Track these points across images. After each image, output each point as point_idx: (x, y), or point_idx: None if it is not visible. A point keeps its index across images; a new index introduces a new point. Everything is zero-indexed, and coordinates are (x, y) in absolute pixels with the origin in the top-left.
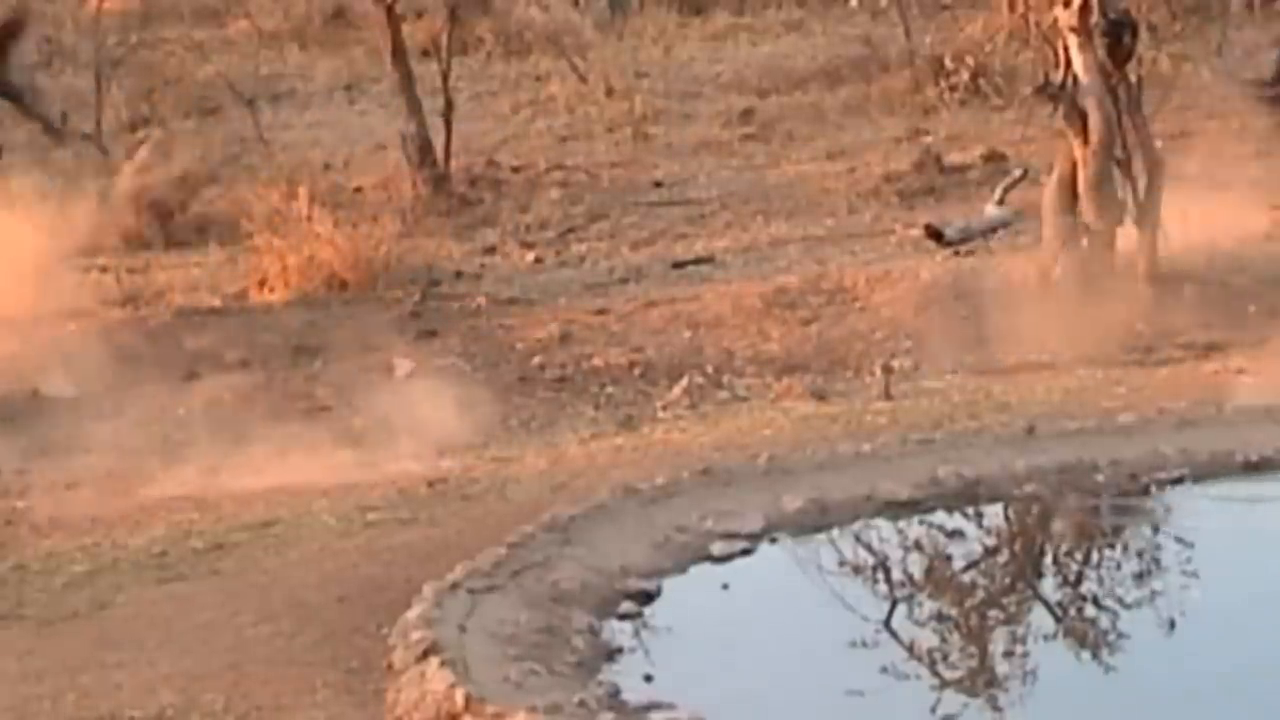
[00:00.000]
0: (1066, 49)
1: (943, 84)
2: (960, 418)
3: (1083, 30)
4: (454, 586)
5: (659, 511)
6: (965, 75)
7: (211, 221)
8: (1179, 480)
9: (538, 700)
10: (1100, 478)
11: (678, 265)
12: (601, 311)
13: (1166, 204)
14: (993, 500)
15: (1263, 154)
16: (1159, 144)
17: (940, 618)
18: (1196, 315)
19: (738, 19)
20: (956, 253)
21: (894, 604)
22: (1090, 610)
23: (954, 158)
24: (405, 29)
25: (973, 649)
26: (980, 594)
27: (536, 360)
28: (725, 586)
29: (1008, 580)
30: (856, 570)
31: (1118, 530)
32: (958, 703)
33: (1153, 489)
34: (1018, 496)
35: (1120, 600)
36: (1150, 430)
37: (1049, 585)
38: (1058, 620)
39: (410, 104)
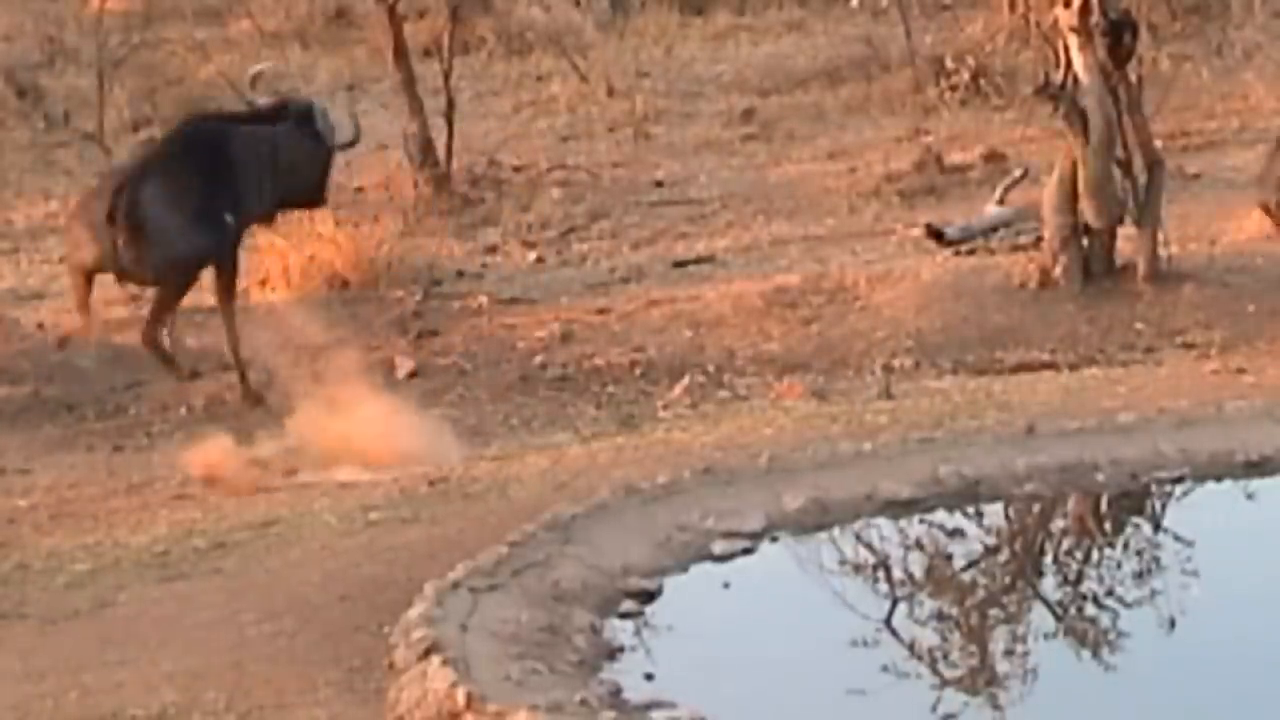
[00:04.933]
0: (1066, 49)
1: (943, 84)
2: (961, 417)
3: (1083, 30)
4: (455, 585)
5: (660, 510)
6: (966, 75)
7: None
8: (1179, 480)
9: (539, 699)
10: (1100, 477)
11: (679, 264)
12: (603, 311)
13: (1166, 204)
14: (993, 499)
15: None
16: (1159, 144)
17: (941, 617)
18: (1196, 315)
19: (739, 19)
20: (957, 252)
21: (895, 603)
22: (1090, 610)
23: (954, 158)
24: (407, 29)
25: (973, 648)
26: (980, 593)
27: (538, 359)
28: (726, 585)
29: (1008, 579)
30: (857, 569)
31: (1118, 530)
32: (958, 702)
33: (1153, 488)
34: (1018, 496)
35: (1120, 600)
36: (1150, 430)
37: (1049, 585)
38: (1058, 620)
39: (412, 104)
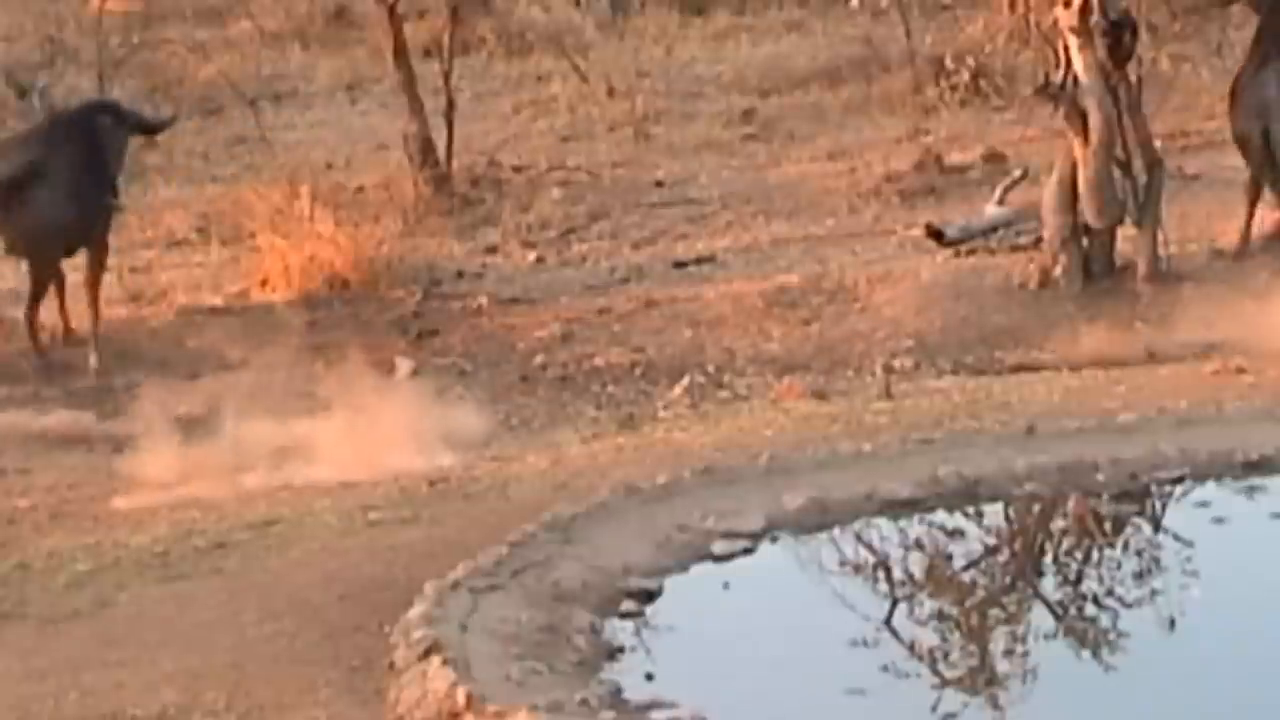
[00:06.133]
0: (1066, 49)
1: (943, 84)
2: (960, 417)
3: (1083, 30)
4: (455, 585)
5: (660, 510)
6: (966, 75)
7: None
8: (1179, 480)
9: (539, 699)
10: (1100, 477)
11: (679, 265)
12: (603, 311)
13: (1166, 204)
14: (993, 499)
15: None
16: (1159, 144)
17: (941, 616)
18: (1196, 315)
19: (739, 19)
20: (957, 253)
21: (895, 603)
22: (1090, 609)
23: (954, 158)
24: (407, 29)
25: (973, 648)
26: (980, 593)
27: (538, 360)
28: (726, 585)
29: (1008, 579)
30: (857, 569)
31: (1118, 530)
32: (958, 701)
33: (1153, 488)
34: (1018, 496)
35: (1120, 600)
36: (1150, 430)
37: (1049, 585)
38: (1058, 619)
39: (412, 104)
